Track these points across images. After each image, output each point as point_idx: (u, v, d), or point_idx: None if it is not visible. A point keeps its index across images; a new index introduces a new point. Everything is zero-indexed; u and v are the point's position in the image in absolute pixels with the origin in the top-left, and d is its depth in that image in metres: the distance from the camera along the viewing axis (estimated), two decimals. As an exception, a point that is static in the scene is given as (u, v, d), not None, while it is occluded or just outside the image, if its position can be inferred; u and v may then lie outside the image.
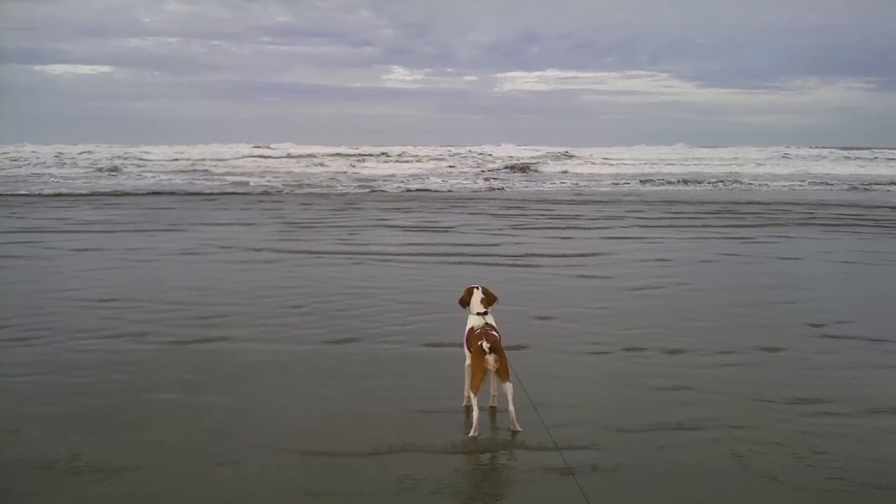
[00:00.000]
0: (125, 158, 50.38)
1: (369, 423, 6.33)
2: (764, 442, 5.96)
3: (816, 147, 77.00)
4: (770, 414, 6.55)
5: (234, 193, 31.59)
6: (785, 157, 64.21)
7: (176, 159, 51.47)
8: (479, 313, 6.51)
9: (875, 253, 16.12)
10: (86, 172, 42.23)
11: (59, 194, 30.11)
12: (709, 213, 24.75)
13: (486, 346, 5.96)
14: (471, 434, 6.01)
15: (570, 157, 62.06)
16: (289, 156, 56.25)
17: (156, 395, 7.04)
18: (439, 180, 39.92)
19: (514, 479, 5.40)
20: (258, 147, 63.07)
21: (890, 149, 71.67)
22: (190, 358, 8.19)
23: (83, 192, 31.57)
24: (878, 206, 27.46)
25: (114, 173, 42.50)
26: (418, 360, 8.13)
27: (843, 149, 73.44)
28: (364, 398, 6.91)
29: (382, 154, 60.09)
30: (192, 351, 8.45)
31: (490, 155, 60.98)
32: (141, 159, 51.04)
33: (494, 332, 6.26)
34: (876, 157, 64.02)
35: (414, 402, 6.76)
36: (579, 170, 50.67)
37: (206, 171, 44.48)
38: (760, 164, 55.96)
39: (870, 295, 11.93)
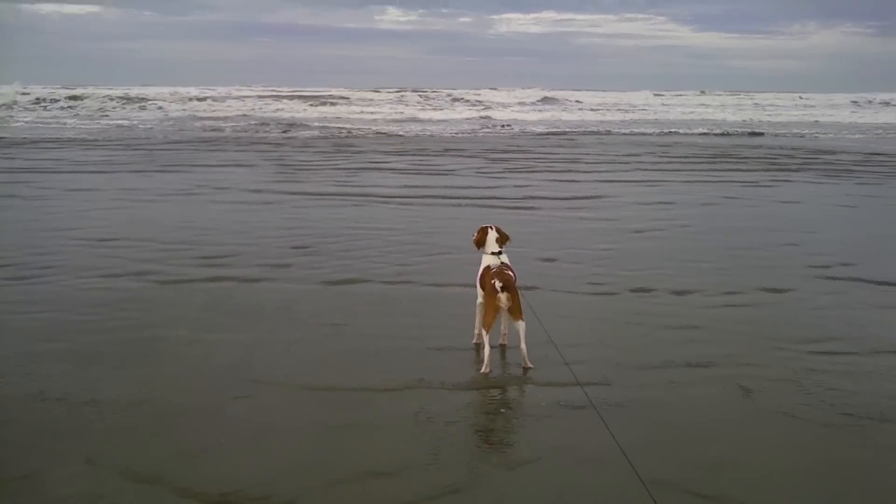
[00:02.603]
0: (113, 100, 49.61)
1: (382, 359, 6.35)
2: (773, 378, 6.02)
3: (816, 92, 76.34)
4: (778, 352, 6.59)
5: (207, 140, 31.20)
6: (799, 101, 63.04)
7: (163, 101, 50.75)
8: (493, 252, 6.49)
9: (874, 198, 16.13)
10: (76, 114, 41.69)
11: (51, 138, 29.72)
12: (710, 156, 24.68)
13: (498, 284, 5.95)
14: (482, 370, 6.05)
15: (569, 101, 61.46)
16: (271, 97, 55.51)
17: (167, 331, 7.03)
18: (418, 125, 39.51)
19: (528, 413, 5.45)
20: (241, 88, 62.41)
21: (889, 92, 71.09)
22: (196, 297, 8.17)
23: (74, 134, 31.20)
24: (876, 153, 27.38)
25: (105, 114, 41.98)
26: (426, 299, 8.14)
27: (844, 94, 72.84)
28: (374, 336, 6.92)
29: (375, 92, 59.49)
30: (197, 290, 8.43)
31: (481, 102, 60.18)
32: (135, 98, 50.42)
33: (509, 272, 6.25)
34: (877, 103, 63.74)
35: (425, 340, 6.78)
36: (572, 117, 50.21)
37: (190, 114, 43.91)
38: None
39: (872, 238, 11.96)
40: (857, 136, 37.57)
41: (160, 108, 46.96)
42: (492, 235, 6.58)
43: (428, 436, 5.00)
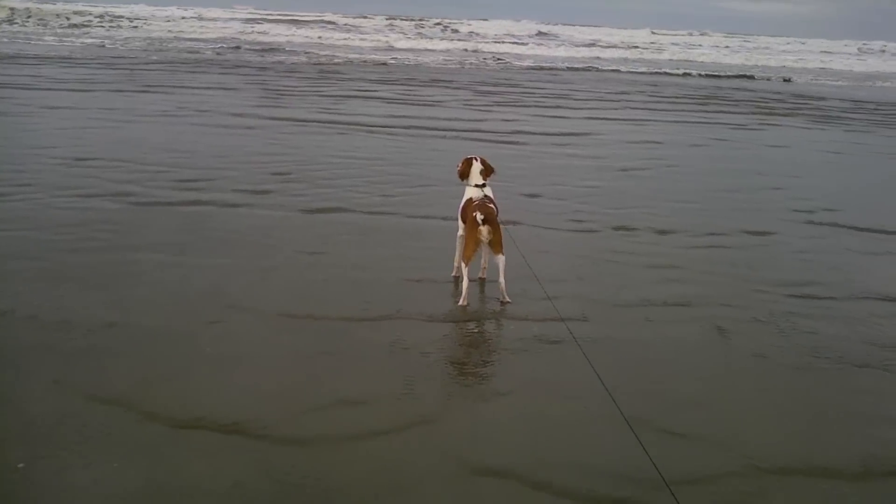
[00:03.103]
0: (94, 17, 48.27)
1: (359, 289, 6.28)
2: (750, 320, 6.02)
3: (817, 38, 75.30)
4: (757, 294, 6.59)
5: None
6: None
7: (145, 19, 49.51)
8: (477, 185, 6.37)
9: (861, 145, 16.07)
10: (56, 31, 40.58)
11: (29, 55, 28.95)
12: (701, 97, 24.46)
13: (479, 217, 5.87)
14: (460, 303, 6.00)
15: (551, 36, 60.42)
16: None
17: (142, 254, 6.92)
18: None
19: (504, 346, 5.43)
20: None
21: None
22: (174, 219, 8.05)
23: (53, 51, 30.43)
24: (870, 101, 27.24)
25: (85, 31, 40.91)
26: (406, 231, 8.05)
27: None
28: (353, 266, 6.84)
29: (364, 18, 58.27)
30: (175, 213, 8.30)
31: (474, 33, 59.09)
32: (117, 17, 49.16)
33: (492, 205, 6.15)
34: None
35: (403, 272, 6.71)
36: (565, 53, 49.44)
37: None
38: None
39: (857, 184, 11.96)
40: (848, 83, 37.32)
41: (134, 26, 45.74)
42: (476, 167, 6.44)
43: (402, 366, 4.96)
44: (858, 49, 65.07)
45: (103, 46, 33.55)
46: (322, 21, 57.50)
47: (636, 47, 54.17)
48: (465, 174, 6.50)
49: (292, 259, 6.97)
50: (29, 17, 45.90)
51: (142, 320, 5.51)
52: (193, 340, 5.24)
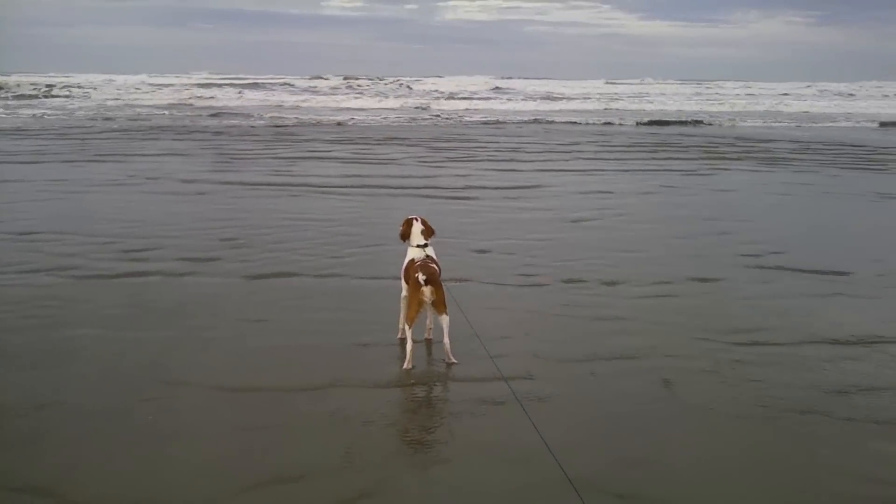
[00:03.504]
0: (45, 87, 47.99)
1: (303, 357, 6.18)
2: (696, 371, 6.01)
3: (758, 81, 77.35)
4: (703, 344, 6.59)
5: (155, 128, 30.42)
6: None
7: (98, 88, 49.41)
8: (419, 245, 6.35)
9: (810, 185, 16.41)
10: (7, 103, 40.31)
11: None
12: (651, 144, 24.90)
13: (421, 278, 5.83)
14: (405, 366, 5.93)
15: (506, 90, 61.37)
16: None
17: (80, 330, 6.75)
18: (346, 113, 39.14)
19: (448, 410, 5.34)
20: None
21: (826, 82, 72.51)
22: (117, 292, 7.89)
23: (3, 124, 30.17)
24: (816, 142, 27.94)
25: (36, 102, 40.72)
26: (355, 293, 7.97)
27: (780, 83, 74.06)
28: (298, 332, 6.75)
29: (320, 79, 58.68)
30: (118, 285, 8.15)
31: (429, 91, 59.80)
32: (70, 86, 49.05)
33: (434, 265, 6.12)
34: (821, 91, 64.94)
35: (349, 336, 6.62)
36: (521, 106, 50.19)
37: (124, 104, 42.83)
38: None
39: (804, 226, 12.15)
40: (795, 124, 38.30)
41: (87, 95, 45.58)
42: (416, 227, 6.42)
43: (343, 437, 4.85)
44: (807, 90, 66.97)
45: (55, 117, 33.32)
46: (279, 83, 57.79)
47: (589, 98, 55.17)
48: (406, 235, 6.48)
49: (234, 328, 6.84)
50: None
51: (75, 400, 5.35)
52: (127, 419, 5.08)
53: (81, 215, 11.70)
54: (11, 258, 9.12)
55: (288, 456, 4.62)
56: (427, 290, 5.84)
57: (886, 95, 61.85)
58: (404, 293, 6.28)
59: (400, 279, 6.41)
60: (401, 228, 6.56)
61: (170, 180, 15.26)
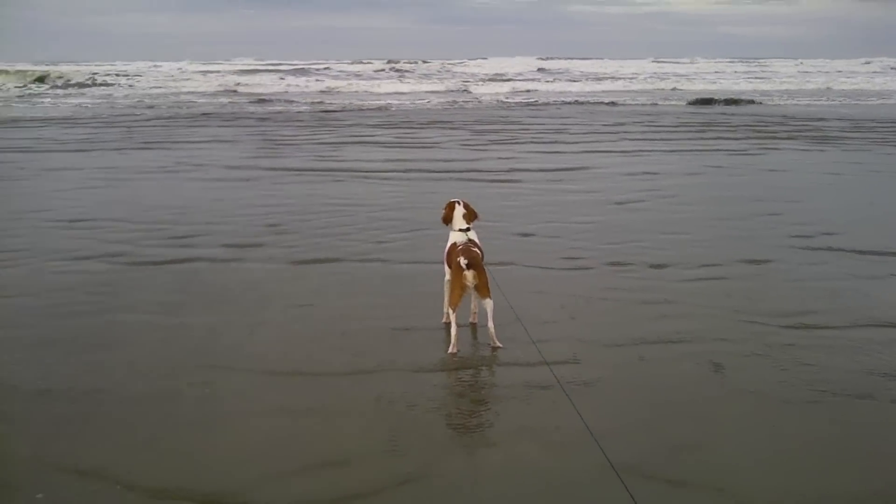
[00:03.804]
0: (93, 77, 48.80)
1: (348, 341, 6.19)
2: (746, 354, 5.88)
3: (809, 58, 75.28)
4: (753, 327, 6.45)
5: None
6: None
7: (145, 76, 50.12)
8: (461, 229, 6.31)
9: (860, 164, 15.96)
10: (56, 92, 41.16)
11: (32, 117, 29.29)
12: (699, 124, 24.47)
13: (463, 262, 5.80)
14: (450, 351, 5.91)
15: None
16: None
17: (130, 315, 6.87)
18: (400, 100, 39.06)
19: (493, 394, 5.32)
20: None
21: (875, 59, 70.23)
22: (165, 278, 8.01)
23: (54, 112, 30.80)
24: (869, 120, 27.18)
25: (84, 91, 41.48)
26: (399, 277, 7.98)
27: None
28: (343, 317, 6.76)
29: (362, 64, 58.74)
30: (167, 271, 8.27)
31: (472, 73, 59.42)
32: (116, 74, 49.88)
33: (476, 249, 6.08)
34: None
35: (394, 321, 6.62)
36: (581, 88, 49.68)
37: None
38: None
39: (855, 207, 11.80)
40: (845, 101, 37.31)
41: (132, 84, 46.26)
42: (459, 211, 6.39)
43: (388, 421, 4.86)
44: (862, 66, 64.98)
45: (103, 105, 33.93)
46: (322, 68, 58.02)
47: (636, 77, 54.35)
48: (448, 219, 6.45)
49: (281, 313, 6.89)
50: (39, 80, 46.48)
51: (124, 384, 5.43)
52: (175, 403, 5.15)
53: (130, 202, 11.89)
54: (63, 245, 9.31)
55: (333, 440, 4.64)
56: (469, 275, 5.80)
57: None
58: (447, 277, 6.25)
59: (443, 263, 6.38)
60: (443, 212, 6.54)
61: (215, 167, 15.44)
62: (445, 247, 6.37)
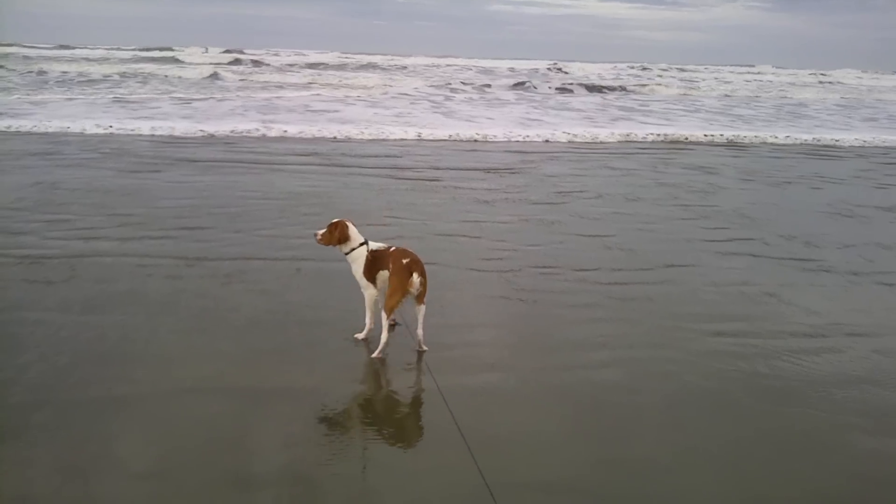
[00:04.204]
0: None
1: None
2: (673, 360, 5.98)
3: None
4: (676, 333, 6.54)
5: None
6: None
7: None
8: (362, 243, 6.05)
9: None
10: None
11: None
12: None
13: (415, 275, 5.69)
14: (375, 355, 5.81)
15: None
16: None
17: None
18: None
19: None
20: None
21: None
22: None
23: None
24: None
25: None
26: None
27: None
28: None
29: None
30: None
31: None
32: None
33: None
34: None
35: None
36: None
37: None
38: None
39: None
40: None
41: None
42: (353, 229, 6.07)
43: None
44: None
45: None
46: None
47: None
48: (345, 237, 6.04)
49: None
50: None
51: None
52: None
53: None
54: None
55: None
56: (417, 281, 5.68)
57: None
58: (372, 290, 6.01)
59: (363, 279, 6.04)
60: (328, 235, 6.08)
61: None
62: (358, 262, 6.02)
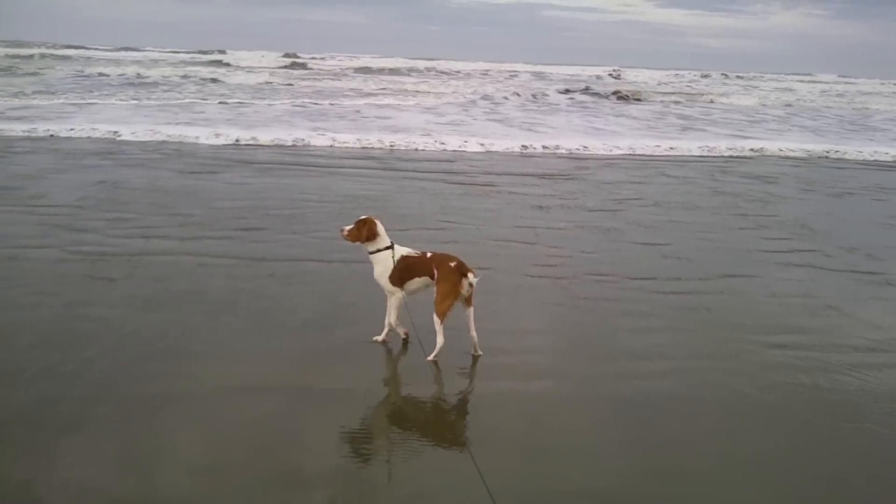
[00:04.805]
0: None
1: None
2: (730, 372, 5.85)
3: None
4: (734, 344, 6.41)
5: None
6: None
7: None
8: (388, 246, 5.88)
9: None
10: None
11: None
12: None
13: (468, 272, 5.57)
14: (431, 357, 5.76)
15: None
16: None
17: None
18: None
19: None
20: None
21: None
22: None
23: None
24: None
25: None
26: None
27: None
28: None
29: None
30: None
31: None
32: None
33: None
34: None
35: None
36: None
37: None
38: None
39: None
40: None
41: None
42: (381, 227, 5.90)
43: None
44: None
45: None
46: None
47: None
48: (373, 234, 5.85)
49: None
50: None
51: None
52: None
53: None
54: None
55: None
56: (467, 283, 5.55)
57: None
58: (399, 294, 5.87)
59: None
60: (357, 231, 5.87)
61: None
62: (383, 266, 5.86)
